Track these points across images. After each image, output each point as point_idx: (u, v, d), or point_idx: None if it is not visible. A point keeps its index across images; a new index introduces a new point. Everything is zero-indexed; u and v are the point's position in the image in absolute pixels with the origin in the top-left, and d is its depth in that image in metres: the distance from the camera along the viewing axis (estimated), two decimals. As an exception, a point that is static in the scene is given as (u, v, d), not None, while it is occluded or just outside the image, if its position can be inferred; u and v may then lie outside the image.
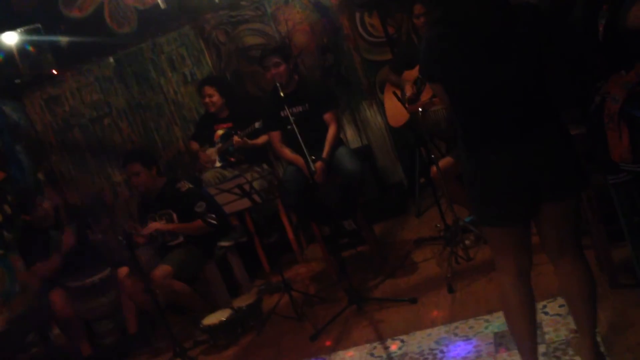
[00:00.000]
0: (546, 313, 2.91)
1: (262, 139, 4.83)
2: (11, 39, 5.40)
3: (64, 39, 5.80)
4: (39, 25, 5.51)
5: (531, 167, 2.08)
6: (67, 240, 4.44)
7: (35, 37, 5.52)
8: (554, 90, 2.11)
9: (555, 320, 2.82)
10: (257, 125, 4.59)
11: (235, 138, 4.75)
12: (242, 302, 4.08)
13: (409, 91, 4.42)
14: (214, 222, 4.34)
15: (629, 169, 2.11)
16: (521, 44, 2.04)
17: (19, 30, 5.44)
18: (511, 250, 2.25)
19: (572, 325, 2.56)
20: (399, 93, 4.45)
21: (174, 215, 4.45)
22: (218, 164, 5.04)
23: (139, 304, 4.37)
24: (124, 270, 4.42)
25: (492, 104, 2.09)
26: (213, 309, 4.18)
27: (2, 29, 5.39)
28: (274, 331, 3.89)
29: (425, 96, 4.24)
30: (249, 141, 4.77)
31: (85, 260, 4.47)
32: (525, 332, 2.28)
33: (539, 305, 2.95)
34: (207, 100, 5.02)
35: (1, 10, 5.76)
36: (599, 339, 2.49)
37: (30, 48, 5.58)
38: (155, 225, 4.35)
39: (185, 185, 4.47)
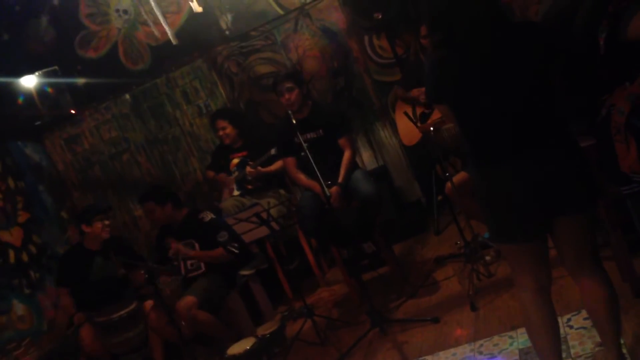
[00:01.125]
0: (571, 327, 2.87)
1: (276, 165, 4.88)
2: (30, 82, 5.54)
3: (81, 80, 5.96)
4: (56, 68, 5.66)
5: (542, 182, 2.08)
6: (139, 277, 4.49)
7: (53, 79, 5.67)
8: (560, 104, 2.12)
9: (580, 334, 2.79)
10: (273, 152, 4.64)
11: (248, 169, 4.81)
12: (265, 329, 4.09)
13: (419, 109, 4.45)
14: (236, 250, 4.38)
15: (639, 179, 2.10)
16: (524, 62, 2.06)
17: (37, 73, 5.59)
18: (528, 267, 2.24)
19: (598, 338, 2.52)
20: (409, 112, 4.48)
21: (197, 245, 4.50)
22: (236, 193, 5.09)
23: (165, 337, 4.40)
24: (149, 304, 4.46)
25: (499, 123, 2.11)
26: (237, 337, 4.19)
27: (21, 72, 5.54)
28: (299, 357, 3.89)
29: (437, 114, 4.26)
30: (262, 169, 4.82)
31: (113, 295, 4.52)
32: (548, 347, 2.26)
33: (564, 319, 2.92)
34: (221, 133, 5.12)
35: (19, 55, 5.94)
36: (624, 350, 2.45)
37: (49, 90, 5.73)
38: (177, 246, 4.39)
39: (208, 216, 4.53)
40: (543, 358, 2.30)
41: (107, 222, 4.57)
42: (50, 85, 5.71)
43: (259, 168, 4.84)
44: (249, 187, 5.05)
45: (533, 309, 2.25)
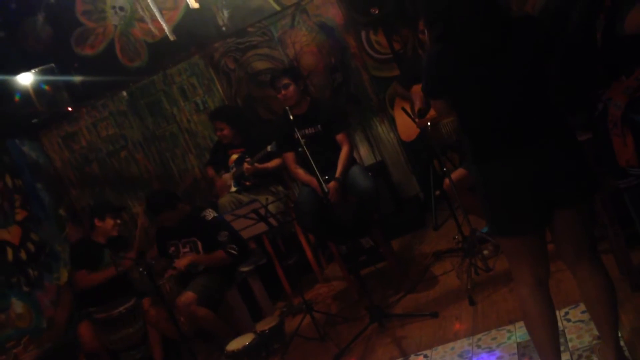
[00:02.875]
0: (569, 320, 2.89)
1: (274, 162, 4.88)
2: (27, 79, 5.52)
3: (77, 77, 5.94)
4: (53, 65, 5.64)
5: (541, 175, 2.09)
6: (127, 263, 4.52)
7: (50, 77, 5.63)
8: (558, 98, 2.12)
9: (578, 327, 2.80)
10: (269, 148, 4.64)
11: (245, 165, 4.81)
12: (264, 325, 4.10)
13: (418, 104, 4.45)
14: (234, 252, 4.40)
15: (636, 173, 2.11)
16: (521, 57, 2.06)
17: (33, 70, 5.56)
18: (527, 260, 2.25)
19: (596, 332, 2.54)
20: (407, 108, 4.47)
21: (199, 244, 4.51)
22: (233, 189, 5.09)
23: (164, 333, 4.41)
24: (148, 300, 4.47)
25: (498, 116, 2.12)
26: (236, 333, 4.20)
27: (18, 70, 5.52)
28: (298, 353, 3.90)
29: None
30: (259, 166, 4.82)
31: (112, 292, 4.53)
32: (547, 341, 2.27)
33: (561, 313, 2.94)
34: (218, 134, 5.12)
35: (16, 52, 5.93)
36: (622, 343, 2.46)
37: (46, 87, 5.69)
38: (188, 257, 4.42)
39: (210, 214, 4.55)
40: (541, 351, 2.31)
41: (118, 221, 4.68)
42: (47, 82, 5.67)
43: (256, 165, 4.84)
44: (247, 183, 5.05)
45: (531, 302, 2.26)
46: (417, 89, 4.53)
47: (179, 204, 4.55)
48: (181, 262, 4.41)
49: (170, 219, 4.51)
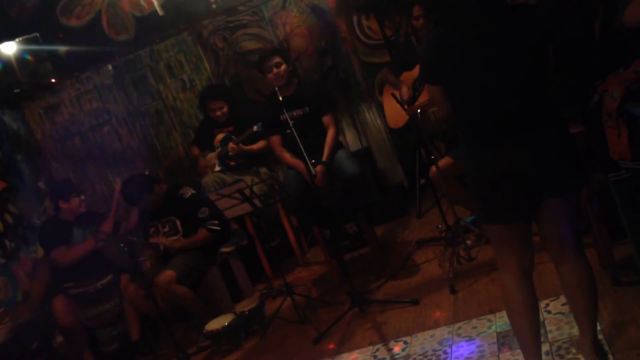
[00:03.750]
0: (549, 312, 2.91)
1: (259, 144, 4.84)
2: (10, 48, 5.39)
3: (62, 48, 5.82)
4: (37, 35, 5.51)
5: (532, 165, 2.09)
6: (105, 228, 4.51)
7: (33, 47, 5.51)
8: (553, 89, 2.12)
9: (558, 319, 2.82)
10: (255, 128, 4.59)
11: (230, 145, 4.76)
12: (244, 306, 4.08)
13: (405, 94, 4.43)
14: (217, 227, 4.35)
15: (628, 166, 2.11)
16: (520, 45, 2.06)
17: (17, 39, 5.44)
18: (513, 249, 2.25)
19: (575, 324, 2.55)
20: (397, 94, 4.46)
21: (177, 222, 4.46)
22: (217, 168, 5.04)
23: (141, 310, 4.37)
24: (126, 277, 4.43)
25: (493, 104, 2.11)
26: (216, 314, 4.18)
27: (1, 38, 5.39)
28: (277, 335, 3.89)
29: (424, 97, 4.25)
30: (244, 147, 4.78)
31: (89, 267, 4.48)
32: (528, 331, 2.28)
33: (542, 304, 2.95)
34: (218, 113, 5.02)
35: (-1, 21, 5.79)
36: (601, 336, 2.48)
37: (29, 57, 5.57)
38: (161, 240, 4.37)
39: (188, 192, 4.49)
40: (522, 340, 2.32)
41: (82, 197, 4.60)
42: (31, 52, 5.55)
43: (241, 145, 4.79)
44: (232, 163, 5.01)
45: (514, 291, 2.27)
46: (408, 76, 4.53)
47: (156, 186, 4.47)
48: (162, 241, 4.36)
49: (150, 204, 4.45)
